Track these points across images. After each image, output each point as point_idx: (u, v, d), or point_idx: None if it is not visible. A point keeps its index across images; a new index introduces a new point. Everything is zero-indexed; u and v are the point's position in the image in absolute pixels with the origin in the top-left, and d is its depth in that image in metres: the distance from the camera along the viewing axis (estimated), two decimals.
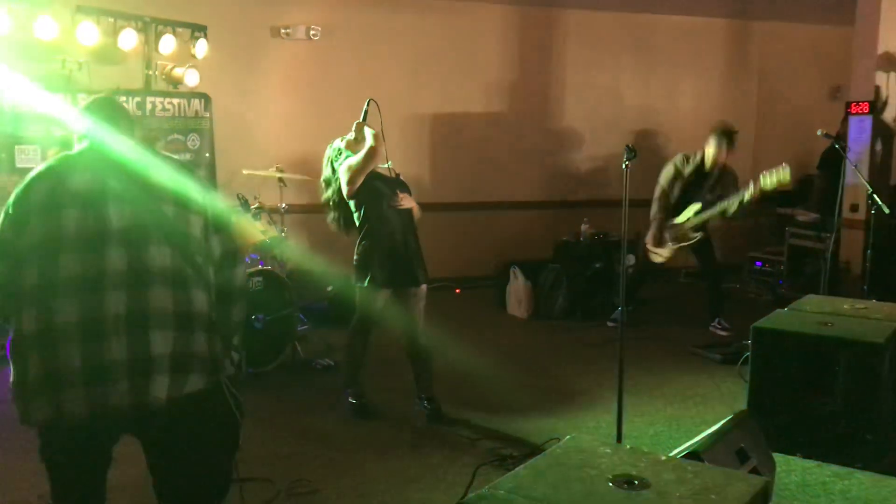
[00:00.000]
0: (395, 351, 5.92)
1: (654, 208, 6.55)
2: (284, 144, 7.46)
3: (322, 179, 4.76)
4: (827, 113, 8.67)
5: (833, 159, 7.17)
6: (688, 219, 6.42)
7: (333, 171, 4.64)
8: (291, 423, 4.61)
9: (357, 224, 4.59)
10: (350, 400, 4.74)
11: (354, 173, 4.41)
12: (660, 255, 6.57)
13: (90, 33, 5.85)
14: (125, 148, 2.38)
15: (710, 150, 6.41)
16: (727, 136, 6.42)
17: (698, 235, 6.47)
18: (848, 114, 6.95)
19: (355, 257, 4.59)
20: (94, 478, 2.38)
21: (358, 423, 4.61)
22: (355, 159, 4.45)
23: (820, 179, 8.35)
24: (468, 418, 4.60)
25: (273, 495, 3.69)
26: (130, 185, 2.29)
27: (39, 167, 2.38)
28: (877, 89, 6.76)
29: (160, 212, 2.29)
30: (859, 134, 6.90)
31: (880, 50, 6.74)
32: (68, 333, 2.16)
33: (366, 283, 4.52)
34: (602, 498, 2.06)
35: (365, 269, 4.52)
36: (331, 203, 4.71)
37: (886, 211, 5.58)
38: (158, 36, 6.31)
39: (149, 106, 6.26)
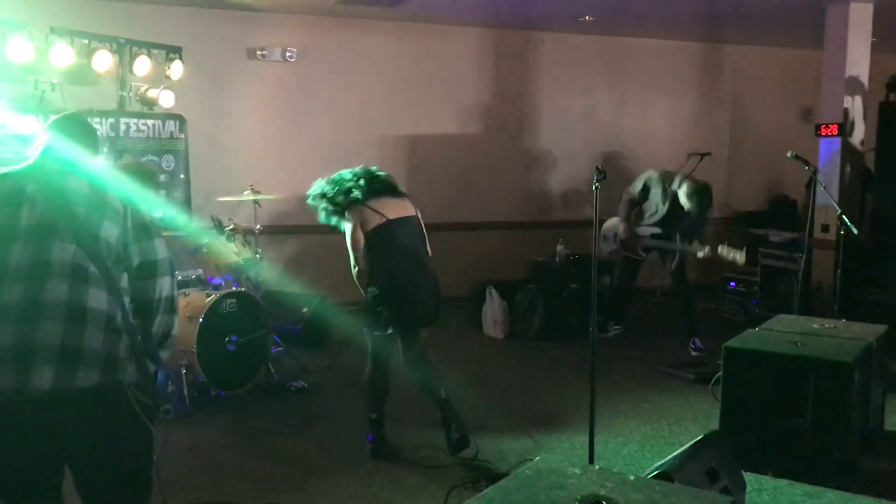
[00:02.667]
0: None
1: (622, 210, 6.71)
2: (260, 165, 7.45)
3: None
4: (799, 134, 8.81)
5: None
6: (645, 236, 6.59)
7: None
8: (265, 446, 4.57)
9: None
10: None
11: None
12: (601, 250, 6.80)
13: (64, 54, 5.83)
14: (64, 157, 2.50)
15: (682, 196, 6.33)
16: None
17: (643, 256, 6.67)
18: (817, 136, 7.06)
19: None
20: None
21: (332, 445, 4.58)
22: None
23: (807, 198, 8.42)
24: (441, 440, 4.58)
25: None
26: (46, 189, 2.41)
27: None
28: (845, 112, 6.87)
29: (70, 212, 2.37)
30: (829, 156, 7.00)
31: (848, 74, 6.86)
32: None
33: None
34: None
35: None
36: None
37: (855, 232, 5.66)
38: (133, 57, 6.29)
39: (123, 127, 6.24)
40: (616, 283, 7.15)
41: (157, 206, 2.64)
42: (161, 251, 2.50)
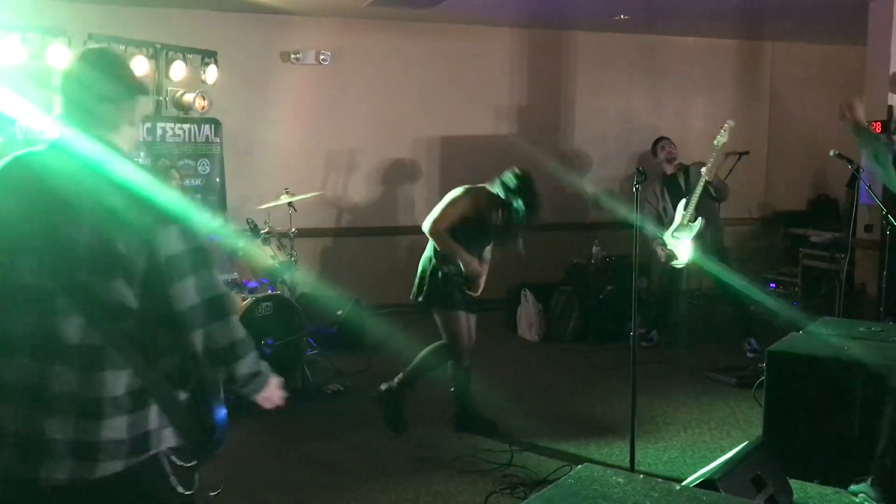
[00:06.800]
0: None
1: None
2: (295, 168, 7.47)
3: None
4: (840, 132, 8.61)
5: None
6: (684, 223, 6.35)
7: None
8: (300, 450, 4.57)
9: None
10: None
11: None
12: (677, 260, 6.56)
13: None
14: (79, 164, 1.97)
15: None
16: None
17: (697, 223, 6.27)
18: None
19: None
20: None
21: (367, 451, 4.56)
22: None
23: (848, 197, 8.26)
24: (478, 445, 4.54)
25: None
26: (50, 235, 1.90)
27: None
28: (889, 109, 6.71)
29: (72, 276, 1.87)
30: None
31: (892, 70, 6.69)
32: None
33: None
34: None
35: None
36: None
37: None
38: (169, 62, 6.35)
39: (159, 132, 6.29)
40: (659, 288, 6.99)
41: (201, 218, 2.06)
42: (189, 298, 1.92)
